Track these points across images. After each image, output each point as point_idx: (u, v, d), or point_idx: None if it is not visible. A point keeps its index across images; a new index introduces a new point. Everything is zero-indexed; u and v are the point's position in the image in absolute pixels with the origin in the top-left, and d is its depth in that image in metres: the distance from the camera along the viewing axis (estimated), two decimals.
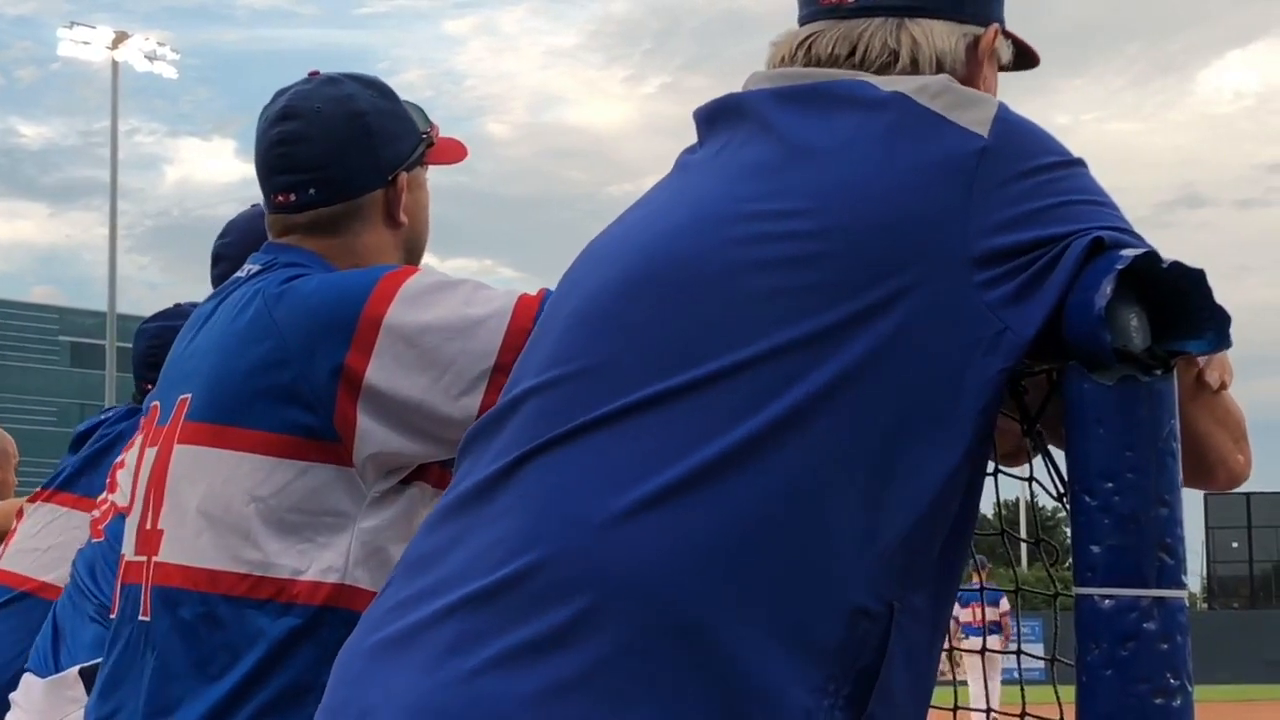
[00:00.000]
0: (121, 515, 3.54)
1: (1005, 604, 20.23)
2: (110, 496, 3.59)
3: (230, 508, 2.27)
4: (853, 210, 1.65)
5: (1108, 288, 1.59)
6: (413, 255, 2.59)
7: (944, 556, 1.64)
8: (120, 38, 38.68)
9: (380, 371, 2.24)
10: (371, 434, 2.25)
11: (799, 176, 1.70)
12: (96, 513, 3.67)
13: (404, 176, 2.52)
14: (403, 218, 2.52)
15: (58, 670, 3.38)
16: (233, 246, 3.34)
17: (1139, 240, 1.68)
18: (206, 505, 2.29)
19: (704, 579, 1.55)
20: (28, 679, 3.44)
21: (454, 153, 2.67)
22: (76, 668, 3.30)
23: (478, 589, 1.60)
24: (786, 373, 1.60)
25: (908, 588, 1.60)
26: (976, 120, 1.69)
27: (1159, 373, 1.62)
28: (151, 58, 39.47)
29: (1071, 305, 1.62)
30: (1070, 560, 1.65)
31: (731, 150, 1.79)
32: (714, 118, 1.86)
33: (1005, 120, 1.70)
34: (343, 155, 2.47)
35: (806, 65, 1.85)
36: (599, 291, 1.75)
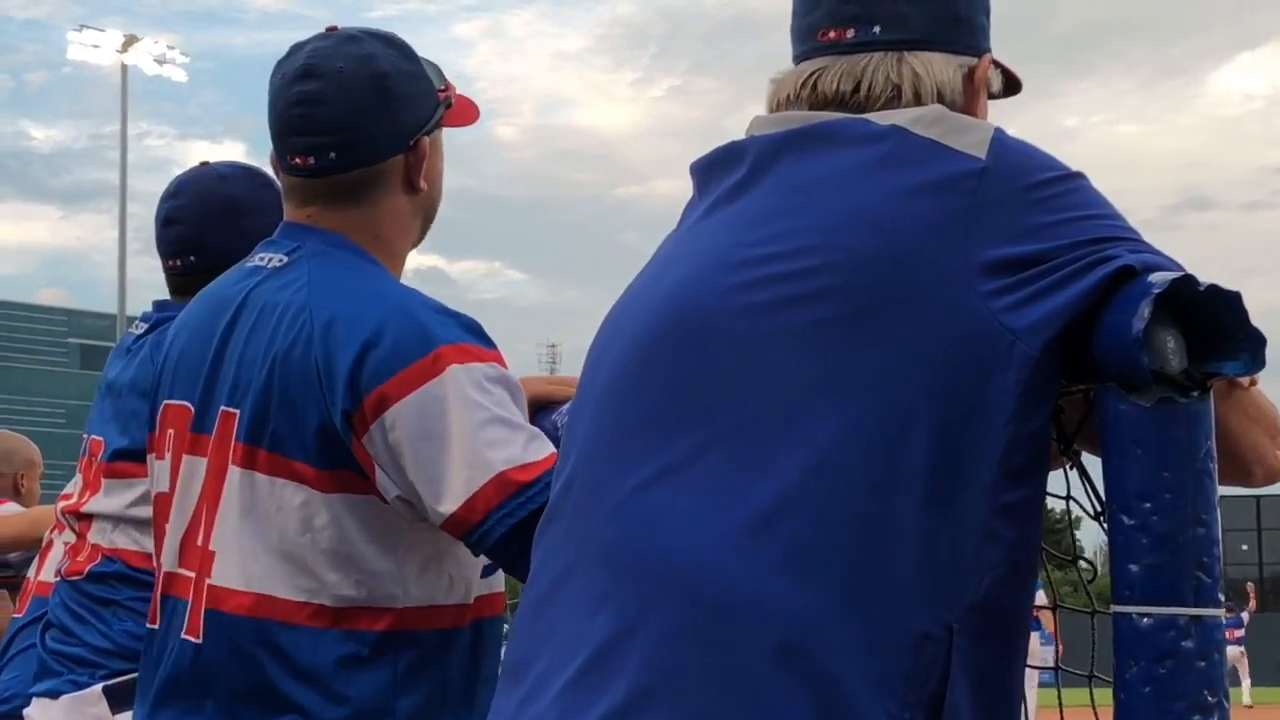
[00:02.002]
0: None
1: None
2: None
3: (286, 536, 2.26)
4: (857, 240, 1.69)
5: (1146, 310, 1.61)
6: (427, 221, 2.55)
7: (1004, 575, 1.65)
8: (129, 41, 38.73)
9: (382, 451, 2.23)
10: (385, 485, 2.25)
11: (799, 216, 1.74)
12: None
13: (425, 141, 2.47)
14: (422, 184, 2.47)
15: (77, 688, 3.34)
16: (188, 210, 3.34)
17: (1165, 260, 1.70)
18: (262, 532, 2.28)
19: (805, 595, 1.58)
20: (41, 701, 3.40)
21: (468, 114, 2.60)
22: (100, 685, 3.28)
23: (589, 656, 1.65)
24: (818, 407, 1.64)
25: (965, 609, 1.62)
26: (973, 144, 1.73)
27: (1195, 394, 1.64)
28: (161, 61, 39.51)
29: (1108, 327, 1.64)
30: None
31: (730, 200, 1.84)
32: (712, 168, 1.91)
33: (1002, 142, 1.74)
34: (365, 119, 2.40)
35: (812, 104, 1.89)
36: (622, 362, 1.80)
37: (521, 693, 1.72)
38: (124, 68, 38.41)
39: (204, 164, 3.47)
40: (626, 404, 1.77)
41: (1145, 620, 1.61)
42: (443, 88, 2.52)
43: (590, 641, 1.66)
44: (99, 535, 3.30)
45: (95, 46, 38.99)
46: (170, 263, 3.38)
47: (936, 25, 1.91)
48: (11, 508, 4.98)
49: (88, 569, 3.29)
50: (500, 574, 2.42)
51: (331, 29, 2.49)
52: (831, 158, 1.77)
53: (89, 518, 3.33)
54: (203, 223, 3.33)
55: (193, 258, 3.33)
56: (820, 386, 1.65)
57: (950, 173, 1.70)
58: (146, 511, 3.16)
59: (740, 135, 1.92)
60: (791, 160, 1.80)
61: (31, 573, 3.88)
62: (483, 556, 2.30)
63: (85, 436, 3.47)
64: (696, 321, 1.74)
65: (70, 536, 3.40)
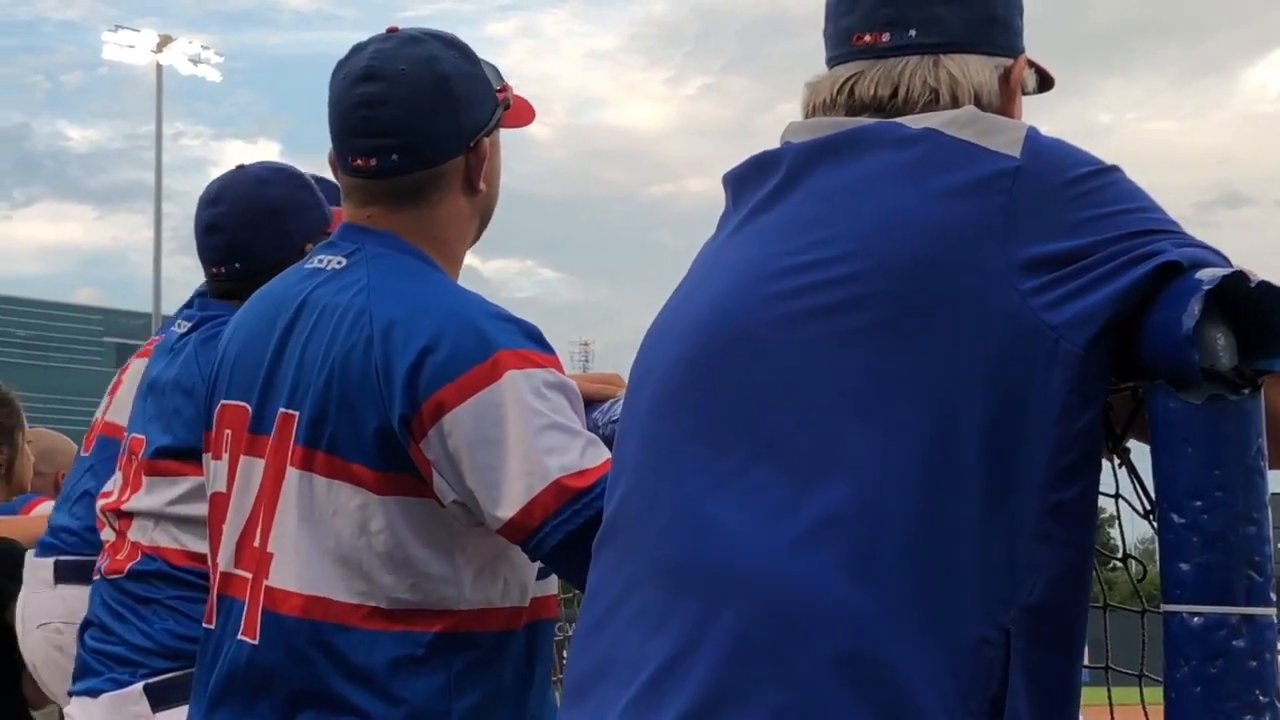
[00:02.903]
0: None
1: None
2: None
3: (342, 539, 2.27)
4: (894, 244, 1.68)
5: (1196, 307, 1.60)
6: (484, 222, 2.56)
7: (1058, 576, 1.64)
8: (164, 41, 38.95)
9: (440, 456, 2.23)
10: (443, 489, 2.25)
11: (835, 223, 1.74)
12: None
13: (485, 142, 2.47)
14: (482, 185, 2.48)
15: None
16: (231, 217, 3.33)
17: (1210, 253, 1.69)
18: (319, 534, 2.29)
19: (866, 601, 1.58)
20: (81, 700, 3.41)
21: (525, 114, 2.60)
22: (140, 684, 3.28)
23: (653, 671, 1.66)
24: (866, 414, 1.64)
25: (1020, 611, 1.61)
26: (1007, 143, 1.72)
27: (1246, 391, 1.63)
28: (195, 61, 39.72)
29: (1156, 324, 1.63)
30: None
31: (765, 210, 1.83)
32: (745, 179, 1.90)
33: (1035, 140, 1.74)
34: (427, 121, 2.40)
35: (849, 109, 1.88)
36: (667, 378, 1.81)
37: (586, 713, 1.73)
38: (159, 68, 38.64)
39: (240, 167, 3.47)
40: (674, 419, 1.77)
41: (1196, 619, 1.60)
42: (500, 88, 2.52)
43: (654, 657, 1.66)
44: (140, 533, 3.31)
45: (130, 47, 39.23)
46: (214, 269, 3.38)
47: (972, 27, 1.91)
48: (51, 506, 4.99)
49: (128, 567, 3.29)
50: (554, 577, 2.43)
51: (392, 30, 2.49)
52: (865, 163, 1.77)
53: (129, 516, 3.33)
54: (246, 229, 3.33)
55: (237, 264, 3.33)
56: (866, 393, 1.64)
57: (986, 173, 1.70)
58: (188, 509, 3.18)
59: (772, 133, 1.92)
60: (825, 168, 1.80)
61: (99, 413, 3.85)
62: (538, 561, 2.30)
63: (125, 435, 3.48)
64: (738, 334, 1.74)
65: (110, 534, 3.40)
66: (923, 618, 1.58)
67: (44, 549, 3.75)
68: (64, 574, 3.66)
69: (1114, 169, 1.75)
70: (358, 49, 2.47)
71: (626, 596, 1.74)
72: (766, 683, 1.58)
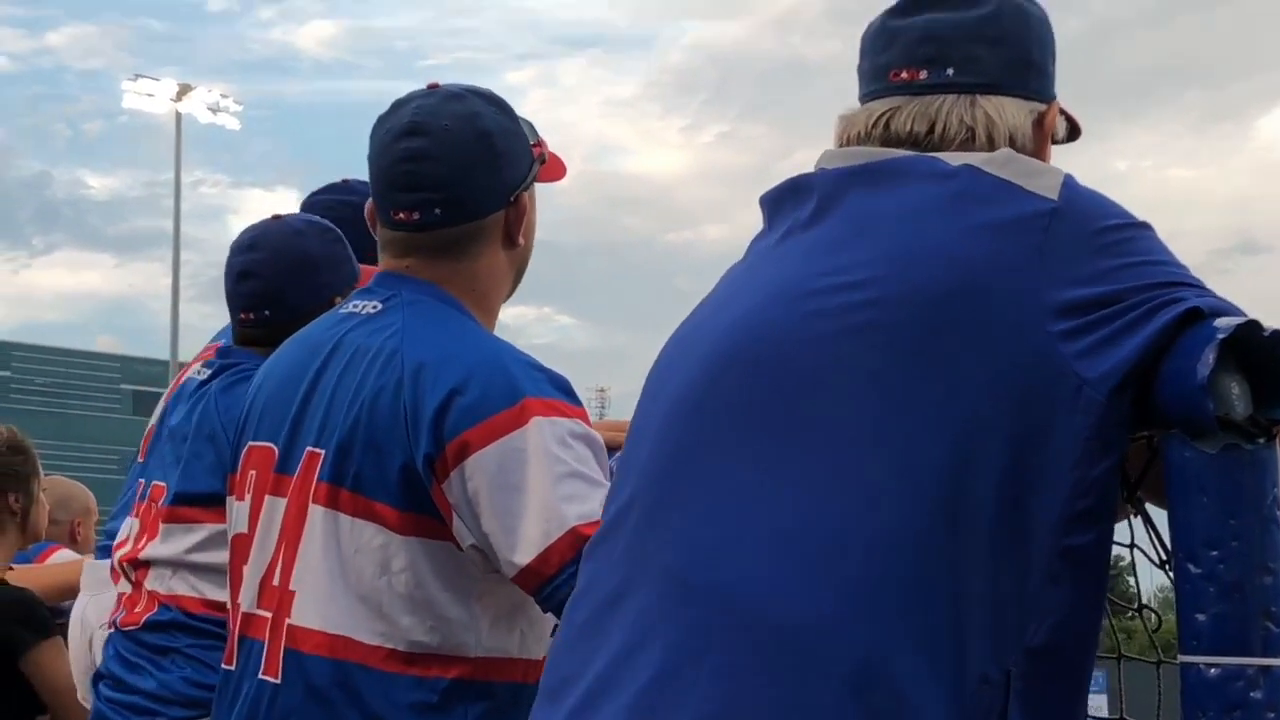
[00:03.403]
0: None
1: None
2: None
3: (363, 578, 2.27)
4: (928, 273, 1.68)
5: (1210, 356, 1.60)
6: (519, 275, 2.59)
7: (1064, 620, 1.63)
8: (184, 90, 39.08)
9: (460, 498, 2.24)
10: (462, 532, 2.26)
11: (869, 248, 1.74)
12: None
13: (525, 196, 2.51)
14: (520, 239, 2.51)
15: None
16: (265, 265, 3.34)
17: (1230, 307, 1.69)
18: (340, 572, 2.29)
19: (875, 626, 1.57)
20: None
21: (558, 170, 2.64)
22: None
23: (649, 680, 1.63)
24: (883, 438, 1.63)
25: (1024, 653, 1.60)
26: (1045, 186, 1.73)
27: (1261, 440, 1.62)
28: (214, 109, 39.85)
29: (1171, 373, 1.63)
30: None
31: (799, 232, 1.84)
32: (780, 201, 1.91)
33: (1073, 187, 1.74)
34: (470, 176, 2.44)
35: (884, 142, 1.89)
36: (687, 387, 1.79)
37: (565, 710, 1.70)
38: (178, 116, 38.78)
39: (276, 217, 3.49)
40: (690, 429, 1.76)
41: (1213, 671, 1.59)
42: (536, 143, 2.55)
43: (648, 666, 1.64)
44: (157, 582, 3.30)
45: (149, 95, 39.36)
46: (243, 315, 3.39)
47: (1009, 70, 1.92)
48: (66, 554, 4.99)
49: (144, 619, 3.29)
50: None
51: (433, 86, 2.53)
52: (902, 193, 1.77)
53: (145, 565, 3.33)
54: (279, 277, 3.34)
55: (267, 311, 3.34)
56: (886, 418, 1.64)
57: (1024, 212, 1.70)
58: (206, 557, 3.17)
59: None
60: (860, 194, 1.81)
61: (153, 419, 3.86)
62: (552, 615, 2.30)
63: (140, 482, 3.48)
64: (763, 349, 1.74)
65: (126, 586, 3.40)
66: (926, 646, 1.57)
67: (106, 551, 3.74)
68: None
69: (1146, 225, 1.76)
70: (399, 104, 2.50)
71: (621, 599, 1.72)
72: (768, 707, 1.57)
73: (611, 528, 1.81)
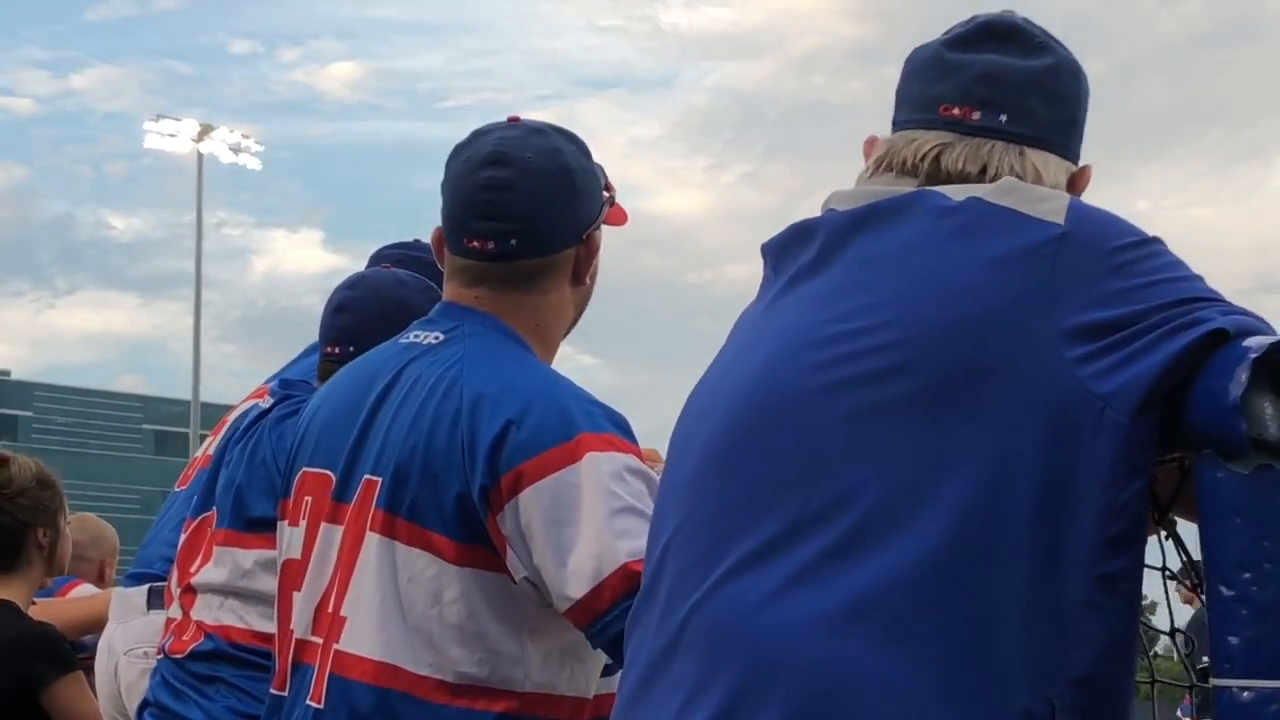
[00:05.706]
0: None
1: None
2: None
3: (414, 607, 2.27)
4: (937, 311, 1.67)
5: (1243, 376, 1.58)
6: (579, 313, 2.59)
7: (1105, 648, 1.62)
8: (205, 130, 39.24)
9: (514, 530, 2.24)
10: (515, 565, 2.25)
11: (875, 291, 1.72)
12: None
13: (596, 235, 2.53)
14: (588, 278, 2.53)
15: None
16: (361, 303, 3.40)
17: (1256, 319, 1.69)
18: (392, 600, 2.28)
19: (906, 682, 1.56)
20: None
21: (621, 215, 2.66)
22: None
23: None
24: (910, 484, 1.62)
25: (1067, 684, 1.59)
26: (1051, 211, 1.71)
27: None
28: (236, 150, 40.00)
29: (1203, 393, 1.61)
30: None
31: (805, 279, 1.82)
32: (785, 248, 1.89)
33: (1079, 209, 1.73)
34: (549, 210, 2.45)
35: (930, 177, 1.86)
36: (710, 446, 1.79)
37: None
38: (200, 156, 38.93)
39: (388, 267, 3.59)
40: (715, 489, 1.75)
41: (1246, 694, 1.57)
42: (606, 185, 2.57)
43: (703, 710, 1.63)
44: (204, 611, 3.33)
45: (171, 135, 39.50)
46: (330, 348, 3.44)
47: (1058, 127, 1.91)
48: (88, 589, 4.99)
49: (190, 648, 3.32)
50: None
51: (514, 119, 2.54)
52: (907, 230, 1.76)
53: (194, 592, 3.36)
54: (372, 319, 3.37)
55: (352, 348, 3.37)
56: (909, 463, 1.62)
57: (1031, 240, 1.69)
58: (255, 584, 3.20)
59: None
60: (865, 235, 1.79)
61: (200, 451, 3.89)
62: (602, 653, 2.30)
63: (191, 512, 3.51)
64: (779, 403, 1.73)
65: (176, 612, 3.43)
66: (965, 691, 1.55)
67: (136, 579, 3.80)
68: (156, 600, 3.70)
69: (1156, 240, 1.74)
70: (480, 134, 2.51)
71: (663, 666, 1.72)
72: None
73: (648, 597, 1.80)
